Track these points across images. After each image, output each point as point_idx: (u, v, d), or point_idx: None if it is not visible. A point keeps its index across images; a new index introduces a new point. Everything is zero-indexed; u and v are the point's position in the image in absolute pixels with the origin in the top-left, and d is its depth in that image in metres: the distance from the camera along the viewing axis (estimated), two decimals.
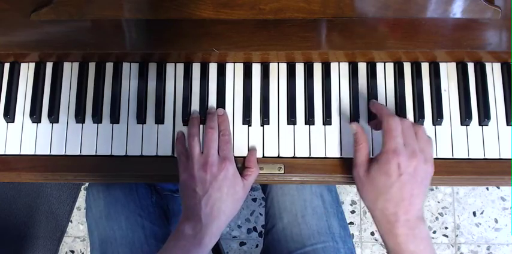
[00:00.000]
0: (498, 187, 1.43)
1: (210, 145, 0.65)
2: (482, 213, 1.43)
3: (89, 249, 1.42)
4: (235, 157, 0.68)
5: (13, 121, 0.71)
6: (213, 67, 0.72)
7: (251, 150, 0.69)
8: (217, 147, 0.66)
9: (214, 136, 0.66)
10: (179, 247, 0.62)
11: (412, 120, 0.70)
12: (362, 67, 0.72)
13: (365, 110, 0.70)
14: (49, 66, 0.72)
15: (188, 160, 0.65)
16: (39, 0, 0.65)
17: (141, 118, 0.70)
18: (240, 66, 0.72)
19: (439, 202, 1.44)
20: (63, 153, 0.69)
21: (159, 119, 0.70)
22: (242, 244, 1.42)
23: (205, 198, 0.62)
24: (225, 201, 0.63)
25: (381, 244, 1.40)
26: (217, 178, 0.63)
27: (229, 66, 0.72)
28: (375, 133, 0.69)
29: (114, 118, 0.70)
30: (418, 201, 0.59)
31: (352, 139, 0.65)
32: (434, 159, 0.68)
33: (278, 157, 0.69)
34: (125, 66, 0.72)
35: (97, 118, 0.70)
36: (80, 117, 0.70)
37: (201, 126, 0.69)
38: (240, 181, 0.65)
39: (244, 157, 0.69)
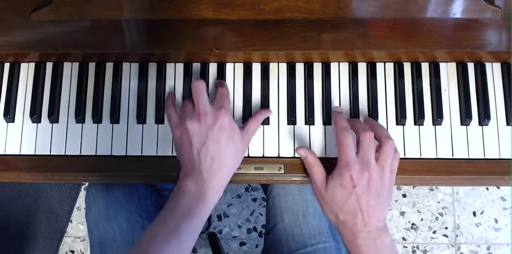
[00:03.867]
0: (498, 187, 1.43)
1: (199, 94, 0.63)
2: (482, 213, 1.43)
3: (89, 249, 1.42)
4: None
5: (13, 121, 0.71)
6: (213, 67, 0.72)
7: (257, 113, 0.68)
8: (214, 100, 0.65)
9: (201, 85, 0.64)
10: (182, 204, 0.60)
11: (413, 121, 0.70)
12: (362, 67, 0.72)
13: (365, 110, 0.70)
14: (49, 66, 0.72)
15: (179, 115, 0.64)
16: (39, 0, 0.65)
17: (141, 118, 0.70)
18: (240, 66, 0.72)
19: (439, 202, 1.44)
20: (63, 153, 0.69)
21: (159, 119, 0.70)
22: (242, 244, 1.42)
23: (203, 151, 0.60)
24: (224, 153, 0.61)
25: None
26: (213, 128, 0.61)
27: (229, 66, 0.72)
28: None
29: (114, 118, 0.70)
30: (376, 213, 0.60)
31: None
32: (435, 158, 0.68)
33: (278, 157, 0.69)
34: (125, 66, 0.72)
35: (97, 118, 0.70)
36: (80, 117, 0.70)
37: None
38: (239, 131, 0.63)
39: (245, 157, 0.68)
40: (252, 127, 0.66)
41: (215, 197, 0.61)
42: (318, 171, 0.65)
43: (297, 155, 0.69)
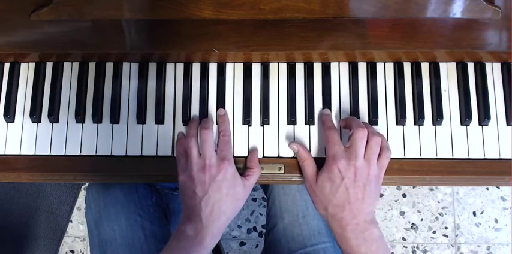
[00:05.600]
0: (498, 187, 1.43)
1: (206, 146, 0.65)
2: (482, 213, 1.43)
3: (88, 249, 1.42)
4: (235, 157, 0.68)
5: (13, 121, 0.71)
6: (213, 67, 0.72)
7: (252, 150, 0.69)
8: (217, 147, 0.67)
9: (209, 136, 0.66)
10: (180, 247, 0.62)
11: (413, 121, 0.70)
12: (362, 67, 0.72)
13: (365, 110, 0.70)
14: (49, 66, 0.72)
15: (187, 161, 0.65)
16: (39, 0, 0.65)
17: (141, 118, 0.70)
18: (240, 66, 0.72)
19: (439, 202, 1.44)
20: (63, 153, 0.69)
21: (159, 119, 0.70)
22: (242, 244, 1.42)
23: (205, 199, 0.62)
24: (225, 202, 0.63)
25: None
26: (216, 179, 0.63)
27: (229, 66, 0.72)
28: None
29: (114, 118, 0.70)
30: (364, 206, 0.62)
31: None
32: (435, 158, 0.68)
33: (278, 157, 0.69)
34: (125, 66, 0.72)
35: (97, 118, 0.70)
36: (80, 117, 0.70)
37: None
38: (240, 181, 0.65)
39: (244, 157, 0.69)
40: (254, 176, 0.67)
41: (213, 242, 0.64)
42: (309, 165, 0.66)
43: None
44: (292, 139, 0.69)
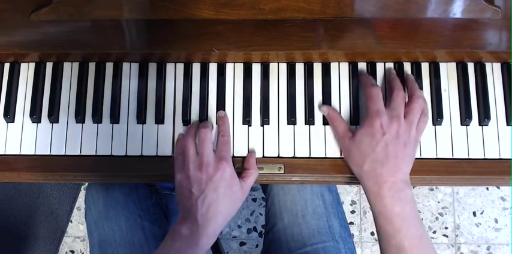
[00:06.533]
0: (498, 187, 1.43)
1: (204, 145, 0.65)
2: (482, 213, 1.43)
3: (88, 249, 1.42)
4: (235, 157, 0.68)
5: (13, 121, 0.71)
6: (213, 67, 0.72)
7: (250, 152, 0.69)
8: (216, 147, 0.66)
9: (207, 135, 0.66)
10: (175, 247, 0.61)
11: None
12: (362, 67, 0.72)
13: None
14: (49, 66, 0.72)
15: (184, 160, 0.65)
16: (39, 0, 0.65)
17: (141, 118, 0.70)
18: (240, 66, 0.72)
19: (439, 202, 1.44)
20: (63, 153, 0.69)
21: (159, 119, 0.70)
22: (242, 244, 1.42)
23: (201, 199, 0.62)
24: (221, 202, 0.63)
25: None
26: (213, 178, 0.63)
27: (229, 66, 0.72)
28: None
29: (114, 118, 0.70)
30: (403, 164, 0.62)
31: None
32: (435, 158, 0.68)
33: (278, 157, 0.69)
34: (125, 66, 0.72)
35: (97, 118, 0.70)
36: (80, 117, 0.70)
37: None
38: (238, 182, 0.65)
39: (244, 158, 0.69)
40: (251, 178, 0.67)
41: (209, 243, 0.63)
42: (340, 122, 0.67)
43: (297, 155, 0.69)
44: (292, 139, 0.69)
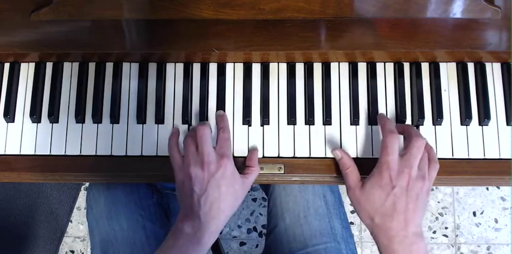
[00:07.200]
0: (498, 187, 1.43)
1: (203, 142, 0.64)
2: (482, 213, 1.43)
3: (89, 249, 1.42)
4: (235, 157, 0.68)
5: (13, 121, 0.71)
6: (213, 67, 0.72)
7: (252, 150, 0.69)
8: (216, 144, 0.66)
9: (206, 132, 0.64)
10: (178, 245, 0.61)
11: (411, 121, 0.70)
12: (362, 67, 0.72)
13: (365, 110, 0.70)
14: (49, 66, 0.72)
15: (182, 158, 0.64)
16: (39, 0, 0.65)
17: (141, 118, 0.70)
18: (240, 66, 0.72)
19: (439, 202, 1.44)
20: (63, 153, 0.69)
21: (159, 119, 0.70)
22: (242, 244, 1.42)
23: (203, 197, 0.62)
24: (223, 200, 0.62)
25: None
26: (215, 176, 0.62)
27: (229, 66, 0.72)
28: (376, 137, 0.69)
29: (114, 118, 0.70)
30: (414, 217, 0.60)
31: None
32: None
33: (278, 157, 0.69)
34: (125, 66, 0.72)
35: (97, 118, 0.70)
36: (80, 117, 0.70)
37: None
38: (239, 179, 0.65)
39: (244, 157, 0.69)
40: (253, 175, 0.67)
41: (211, 240, 0.62)
42: (353, 172, 0.65)
43: (297, 155, 0.69)
44: (292, 139, 0.69)
